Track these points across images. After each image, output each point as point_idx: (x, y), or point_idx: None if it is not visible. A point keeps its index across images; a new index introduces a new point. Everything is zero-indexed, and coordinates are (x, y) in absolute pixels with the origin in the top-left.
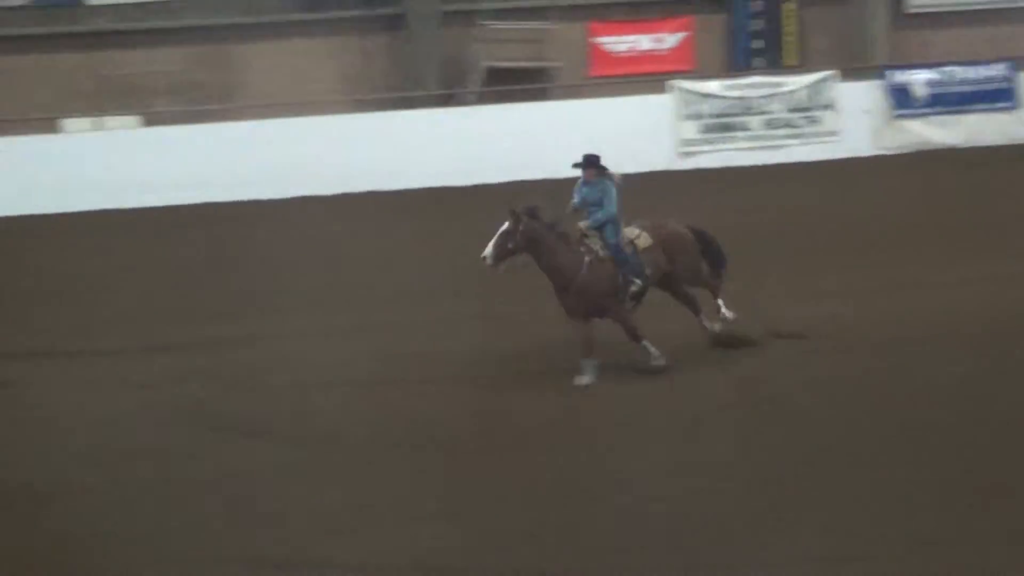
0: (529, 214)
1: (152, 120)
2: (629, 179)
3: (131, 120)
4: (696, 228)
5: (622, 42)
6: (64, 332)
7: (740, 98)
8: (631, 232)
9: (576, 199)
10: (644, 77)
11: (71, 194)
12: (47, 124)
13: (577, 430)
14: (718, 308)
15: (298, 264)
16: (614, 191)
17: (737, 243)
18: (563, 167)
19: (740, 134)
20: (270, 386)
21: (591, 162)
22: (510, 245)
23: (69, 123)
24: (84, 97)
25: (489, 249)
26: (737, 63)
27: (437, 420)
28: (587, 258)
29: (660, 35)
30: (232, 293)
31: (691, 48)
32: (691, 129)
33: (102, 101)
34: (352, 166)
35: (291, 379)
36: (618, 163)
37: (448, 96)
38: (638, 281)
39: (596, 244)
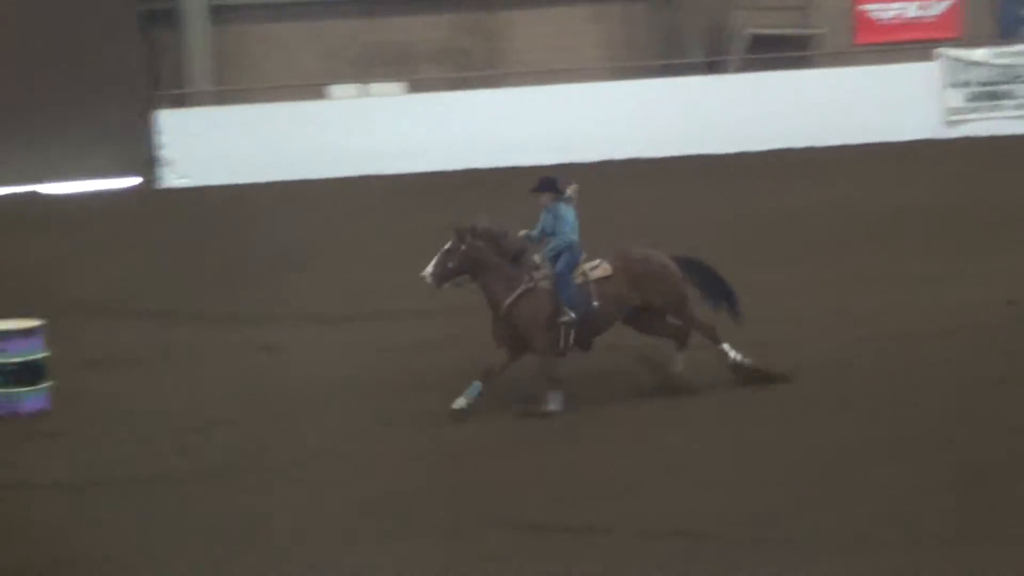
0: (474, 233)
1: (416, 87)
2: (892, 148)
3: (396, 87)
4: (685, 257)
5: (888, 9)
6: (324, 296)
7: (1008, 66)
8: (591, 263)
9: (536, 229)
10: (910, 45)
11: (336, 160)
12: (314, 91)
13: None
14: (722, 353)
15: None
16: (570, 216)
17: (1005, 218)
18: (827, 135)
19: (1007, 103)
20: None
21: (544, 187)
22: (450, 264)
23: (335, 90)
24: (350, 64)
25: (429, 268)
26: (1005, 31)
27: None
28: (523, 286)
29: (927, 2)
30: None
31: (958, 15)
32: (957, 98)
33: (367, 68)
34: (614, 134)
35: None
36: (883, 130)
37: (711, 64)
38: (571, 314)
39: (546, 272)
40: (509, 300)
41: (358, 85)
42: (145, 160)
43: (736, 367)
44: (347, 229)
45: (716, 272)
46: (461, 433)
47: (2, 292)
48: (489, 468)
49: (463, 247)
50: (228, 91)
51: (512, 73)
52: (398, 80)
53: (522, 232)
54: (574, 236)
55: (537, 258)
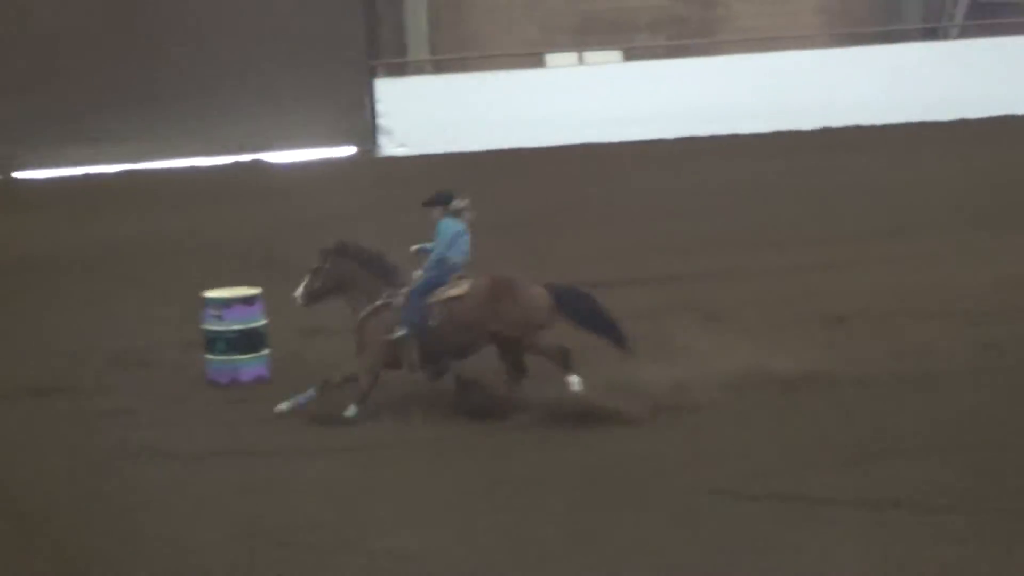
0: (339, 252)
1: (633, 55)
2: None
3: (613, 55)
4: (565, 288)
5: None
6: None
7: None
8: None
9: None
10: None
11: (553, 128)
12: (533, 59)
13: None
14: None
15: (780, 200)
16: (449, 231)
17: None
18: None
19: None
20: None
21: (433, 202)
22: (317, 284)
23: (553, 58)
24: (568, 32)
25: (300, 289)
26: None
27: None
28: (379, 302)
29: None
30: (712, 227)
31: None
32: None
33: (585, 36)
34: (831, 101)
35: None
36: None
37: (930, 30)
38: (400, 331)
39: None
40: (362, 315)
41: (575, 53)
42: (364, 129)
43: (574, 400)
44: (567, 195)
45: (597, 304)
46: None
47: (226, 260)
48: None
49: (326, 266)
50: (446, 60)
51: (729, 41)
52: (615, 48)
53: (415, 247)
54: (446, 252)
55: (416, 274)
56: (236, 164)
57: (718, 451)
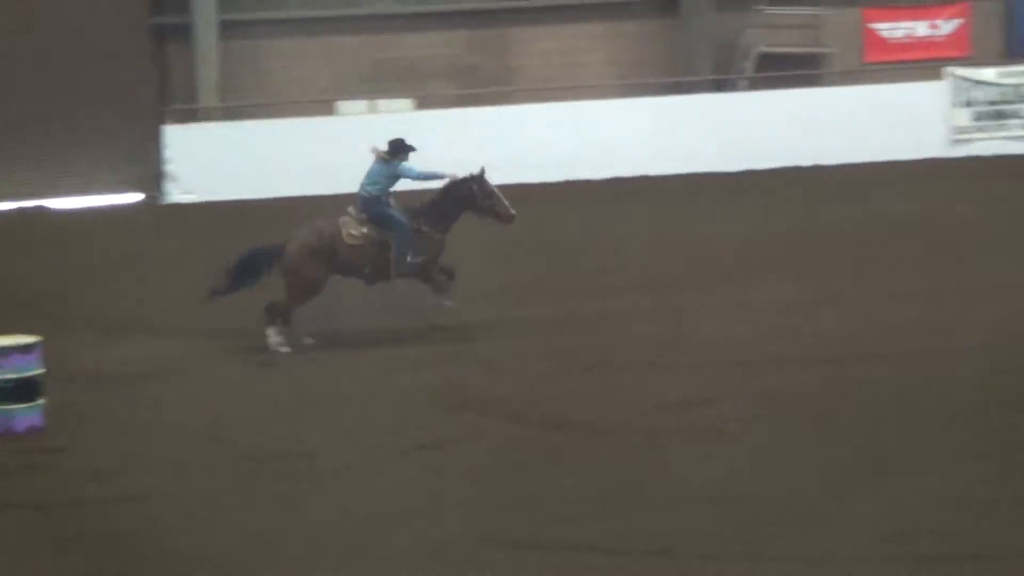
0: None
1: (425, 103)
2: (899, 166)
3: (405, 103)
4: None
5: (898, 28)
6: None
7: (1015, 85)
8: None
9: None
10: (919, 64)
11: (344, 176)
12: (324, 107)
13: None
14: None
15: (565, 249)
16: (372, 172)
17: (1011, 236)
18: (835, 153)
19: (1014, 122)
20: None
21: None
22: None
23: (344, 106)
24: (360, 80)
25: None
26: (1013, 50)
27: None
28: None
29: (936, 21)
30: (497, 275)
31: (967, 35)
32: (964, 117)
33: (377, 84)
34: (624, 151)
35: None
36: (891, 149)
37: (721, 81)
38: None
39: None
40: None
41: (367, 101)
42: (151, 176)
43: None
44: None
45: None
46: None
47: (8, 308)
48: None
49: None
50: (237, 107)
51: (521, 90)
52: (407, 96)
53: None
54: (369, 189)
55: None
56: (20, 211)
57: (488, 498)
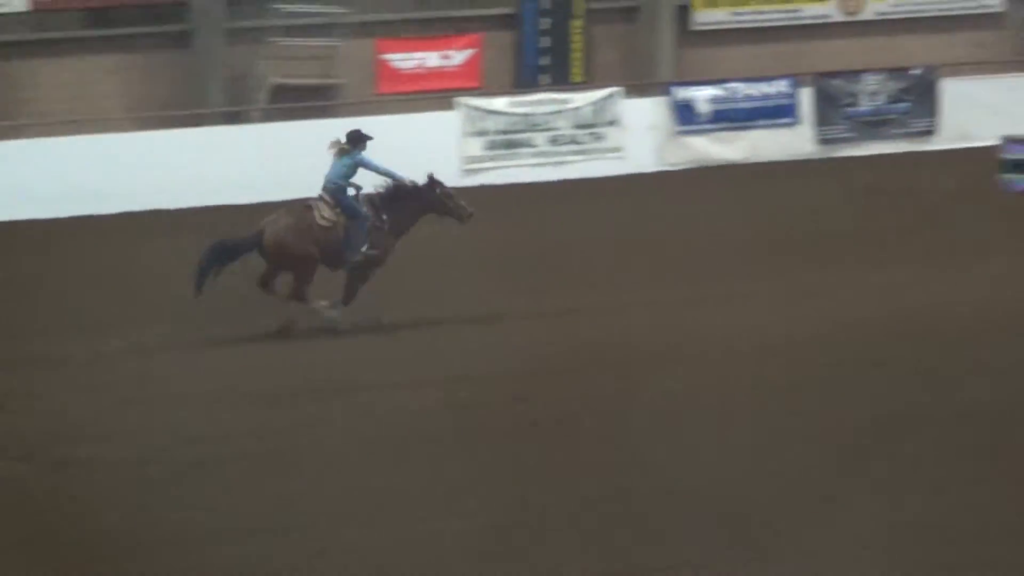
0: None
1: None
2: None
3: None
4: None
5: (410, 59)
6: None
7: (526, 115)
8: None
9: None
10: (432, 94)
11: None
12: None
13: None
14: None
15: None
16: (335, 166)
17: (519, 260)
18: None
19: (525, 151)
20: None
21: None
22: None
23: None
24: None
25: None
26: (524, 80)
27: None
28: None
29: (448, 52)
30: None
31: (479, 65)
32: (476, 146)
33: None
34: (135, 185)
35: None
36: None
37: (234, 113)
38: None
39: None
40: None
41: None
42: None
43: None
44: None
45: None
46: None
47: None
48: None
49: None
50: None
51: (31, 124)
52: None
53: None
54: (337, 181)
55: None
56: None
57: None
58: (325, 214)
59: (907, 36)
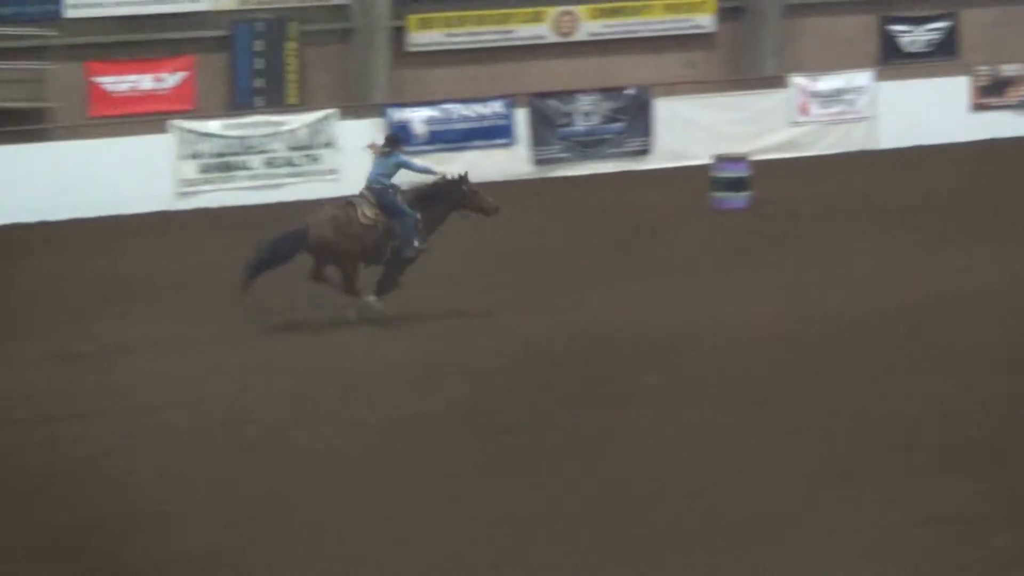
0: None
1: None
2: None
3: None
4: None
5: (122, 82)
6: None
7: (240, 137)
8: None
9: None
10: (145, 117)
11: None
12: None
13: None
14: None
15: None
16: (375, 163)
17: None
18: (62, 209)
19: (240, 173)
20: None
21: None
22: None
23: None
24: None
25: None
26: (239, 102)
27: None
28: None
29: (161, 75)
30: None
31: (192, 87)
32: (190, 169)
33: None
34: None
35: None
36: (118, 204)
37: None
38: None
39: None
40: None
41: None
42: None
43: None
44: None
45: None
46: None
47: None
48: None
49: None
50: None
51: None
52: None
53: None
54: (382, 180)
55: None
56: None
57: None
58: (367, 212)
59: (621, 56)
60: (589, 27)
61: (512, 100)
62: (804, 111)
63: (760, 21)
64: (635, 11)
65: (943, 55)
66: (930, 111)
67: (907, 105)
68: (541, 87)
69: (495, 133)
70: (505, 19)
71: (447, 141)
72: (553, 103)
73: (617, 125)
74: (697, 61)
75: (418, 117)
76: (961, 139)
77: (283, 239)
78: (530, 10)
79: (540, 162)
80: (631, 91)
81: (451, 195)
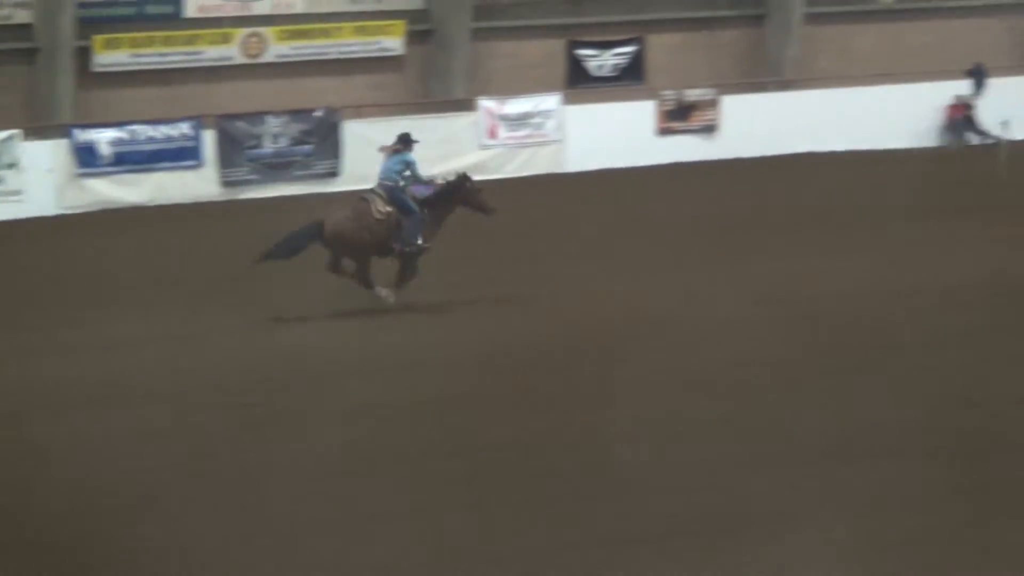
0: None
1: None
2: None
3: None
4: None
5: None
6: None
7: None
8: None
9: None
10: None
11: None
12: None
13: None
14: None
15: None
16: (387, 161)
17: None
18: None
19: None
20: None
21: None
22: None
23: None
24: None
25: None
26: None
27: None
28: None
29: None
30: None
31: None
32: None
33: None
34: None
35: None
36: None
37: None
38: None
39: None
40: None
41: None
42: None
43: None
44: None
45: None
46: None
47: None
48: None
49: None
50: None
51: None
52: None
53: None
54: (394, 177)
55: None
56: None
57: None
58: (379, 207)
59: (310, 78)
60: (277, 49)
61: (200, 121)
62: (492, 134)
63: (449, 44)
64: (324, 33)
65: (630, 79)
66: (617, 134)
67: (594, 128)
68: (229, 109)
69: (183, 155)
70: (193, 40)
71: (134, 162)
72: (241, 125)
73: (306, 147)
74: (386, 84)
75: (104, 138)
76: (646, 162)
77: (300, 232)
78: (218, 31)
79: (228, 184)
80: (320, 113)
81: (456, 192)
